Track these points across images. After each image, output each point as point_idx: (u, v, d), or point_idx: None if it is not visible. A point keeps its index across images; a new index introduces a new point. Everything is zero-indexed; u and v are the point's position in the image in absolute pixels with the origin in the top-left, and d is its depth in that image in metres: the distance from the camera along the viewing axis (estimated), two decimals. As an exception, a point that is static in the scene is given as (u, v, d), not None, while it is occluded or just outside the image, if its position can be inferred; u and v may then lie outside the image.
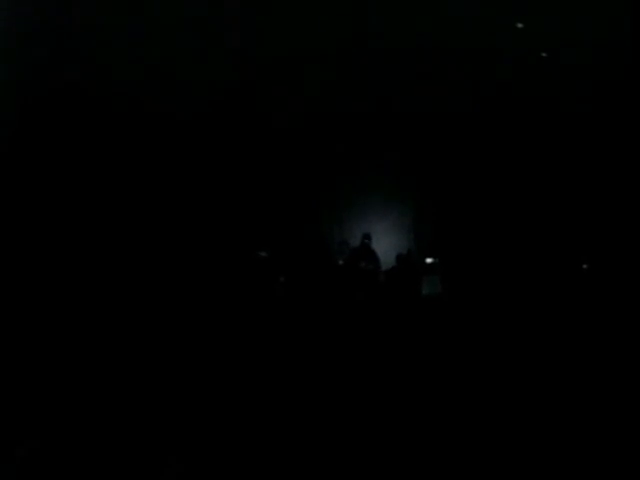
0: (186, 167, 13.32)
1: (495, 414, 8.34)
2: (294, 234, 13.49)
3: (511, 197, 13.56)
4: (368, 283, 12.92)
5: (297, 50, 13.26)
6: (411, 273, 13.03)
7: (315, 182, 13.83)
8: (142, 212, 13.02)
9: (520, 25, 13.31)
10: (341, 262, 13.44)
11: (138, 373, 9.44)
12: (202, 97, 13.20)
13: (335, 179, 13.92)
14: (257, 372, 9.51)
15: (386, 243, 13.78)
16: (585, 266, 12.98)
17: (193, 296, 11.74)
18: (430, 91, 13.39)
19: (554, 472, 7.30)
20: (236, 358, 9.92)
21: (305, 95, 13.43)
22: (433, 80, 13.42)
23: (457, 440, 7.88)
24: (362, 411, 8.50)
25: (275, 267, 12.80)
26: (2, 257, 11.73)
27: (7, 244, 11.93)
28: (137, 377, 9.34)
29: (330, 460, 7.58)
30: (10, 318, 10.54)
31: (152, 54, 13.01)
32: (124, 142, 13.15)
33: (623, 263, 12.42)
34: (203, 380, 9.29)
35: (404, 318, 11.57)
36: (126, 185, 13.11)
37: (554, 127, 13.49)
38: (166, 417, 8.41)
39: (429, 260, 13.23)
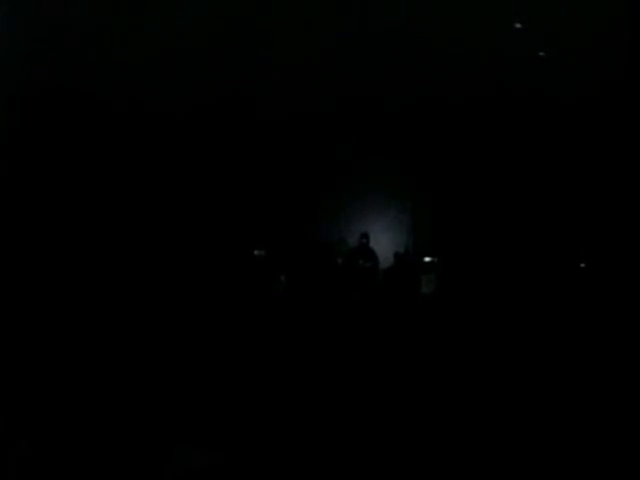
0: (186, 167, 13.34)
1: (494, 412, 8.38)
2: (293, 233, 13.51)
3: (509, 196, 13.58)
4: (366, 281, 12.94)
5: (297, 50, 13.28)
6: (409, 272, 13.06)
7: (314, 181, 13.84)
8: (142, 211, 13.04)
9: (520, 25, 13.31)
10: (340, 261, 13.45)
11: (136, 372, 9.46)
12: (202, 97, 13.22)
13: (334, 178, 13.93)
14: (256, 370, 9.54)
15: (384, 241, 13.80)
16: (583, 265, 13.00)
17: (193, 294, 11.76)
18: (429, 91, 13.39)
19: (553, 471, 7.34)
20: (235, 356, 9.95)
21: (304, 95, 13.44)
22: (432, 80, 13.42)
23: (455, 438, 7.93)
24: (360, 407, 8.54)
25: (274, 266, 12.82)
26: (2, 257, 11.76)
27: (7, 244, 11.97)
28: (136, 376, 9.37)
29: (329, 458, 7.61)
30: (7, 319, 10.56)
31: (152, 54, 13.04)
32: (123, 141, 13.17)
33: (621, 262, 12.45)
34: (202, 378, 9.32)
35: (402, 316, 11.61)
36: (125, 184, 13.14)
37: (552, 127, 13.49)
38: (165, 417, 8.44)
39: (427, 259, 13.25)
